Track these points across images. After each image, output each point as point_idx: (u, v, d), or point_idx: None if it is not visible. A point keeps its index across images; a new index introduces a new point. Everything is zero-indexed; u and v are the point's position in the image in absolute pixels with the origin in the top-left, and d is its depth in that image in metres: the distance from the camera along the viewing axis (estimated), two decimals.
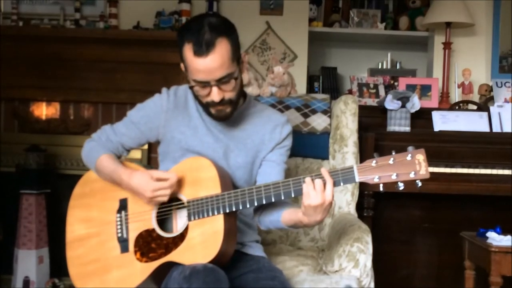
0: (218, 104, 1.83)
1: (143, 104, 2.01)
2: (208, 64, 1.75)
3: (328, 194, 1.69)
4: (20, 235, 3.41)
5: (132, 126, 1.99)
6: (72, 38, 3.62)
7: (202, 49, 1.74)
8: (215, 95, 1.80)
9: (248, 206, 1.78)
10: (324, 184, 1.69)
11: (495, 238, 2.52)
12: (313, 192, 1.69)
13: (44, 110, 3.72)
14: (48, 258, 3.49)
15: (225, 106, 1.85)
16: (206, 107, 1.87)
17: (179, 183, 1.86)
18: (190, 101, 1.98)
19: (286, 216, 1.88)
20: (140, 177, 1.83)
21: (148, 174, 1.83)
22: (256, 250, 2.04)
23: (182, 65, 1.88)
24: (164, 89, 2.00)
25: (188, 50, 1.77)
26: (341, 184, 1.70)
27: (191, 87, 1.86)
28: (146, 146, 3.58)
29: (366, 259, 2.09)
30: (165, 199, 1.82)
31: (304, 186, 1.71)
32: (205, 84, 1.79)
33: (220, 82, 1.79)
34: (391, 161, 1.66)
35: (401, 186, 1.67)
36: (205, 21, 1.78)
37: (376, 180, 1.67)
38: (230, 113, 1.88)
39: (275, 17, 3.88)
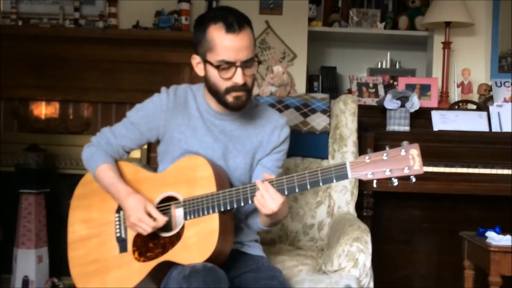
0: (239, 89, 1.83)
1: (142, 104, 2.00)
2: (239, 41, 1.79)
3: (269, 203, 1.73)
4: (20, 234, 3.41)
5: (132, 127, 1.98)
6: (71, 37, 3.62)
7: (234, 27, 1.79)
8: (239, 76, 1.81)
9: (242, 204, 1.79)
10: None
11: (495, 238, 2.52)
12: (262, 207, 1.75)
13: (43, 110, 3.72)
14: (47, 258, 3.49)
15: (243, 92, 1.85)
16: (224, 94, 1.85)
17: (176, 182, 1.86)
18: (190, 101, 1.98)
19: (261, 219, 1.92)
20: (135, 201, 1.84)
21: (143, 203, 1.83)
22: (255, 250, 2.04)
23: (195, 58, 1.88)
24: (163, 89, 2.00)
25: (217, 30, 1.80)
26: (334, 180, 1.70)
27: (207, 82, 1.87)
28: (145, 146, 3.58)
29: (365, 258, 2.09)
30: (144, 233, 1.83)
31: (255, 201, 1.76)
32: (231, 65, 1.80)
33: (245, 64, 1.81)
34: (384, 157, 1.65)
35: (395, 182, 1.66)
36: (227, 10, 1.85)
37: (369, 176, 1.66)
38: (245, 102, 1.88)
39: (274, 16, 3.88)
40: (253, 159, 2.00)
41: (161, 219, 1.82)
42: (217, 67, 1.81)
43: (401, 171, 1.64)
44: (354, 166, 1.67)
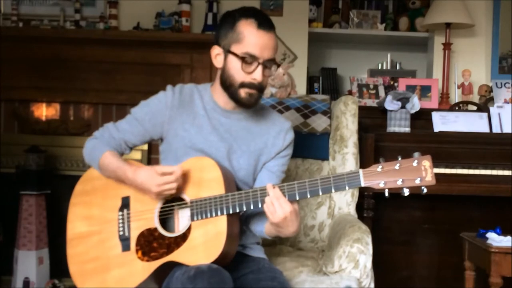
0: (253, 87, 1.86)
1: (147, 101, 2.00)
2: (267, 39, 1.85)
3: (278, 210, 1.72)
4: (20, 236, 3.41)
5: (136, 123, 1.98)
6: (72, 39, 3.62)
7: (266, 25, 1.86)
8: (259, 73, 1.85)
9: (252, 207, 1.78)
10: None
11: (495, 239, 2.52)
12: (271, 215, 1.73)
13: (44, 111, 3.72)
14: (48, 259, 3.49)
15: (256, 91, 1.87)
16: (238, 88, 1.86)
17: (183, 182, 1.85)
18: (196, 99, 1.97)
19: (267, 228, 1.90)
20: (145, 173, 1.83)
21: (153, 169, 1.82)
22: (257, 252, 2.04)
23: (215, 48, 1.90)
24: (169, 86, 1.99)
25: (248, 24, 1.85)
26: (346, 188, 1.71)
27: (222, 74, 1.88)
28: (146, 147, 3.58)
29: (366, 259, 2.09)
30: (172, 191, 1.82)
31: (265, 207, 1.74)
32: (254, 60, 1.83)
33: (267, 63, 1.86)
34: (397, 167, 1.67)
35: (406, 192, 1.67)
36: (257, 10, 1.92)
37: (381, 185, 1.68)
38: (256, 100, 1.91)
39: (275, 17, 3.79)
40: (258, 161, 2.00)
41: (178, 170, 1.80)
42: (242, 58, 1.83)
43: (412, 182, 1.65)
44: (367, 175, 1.69)
